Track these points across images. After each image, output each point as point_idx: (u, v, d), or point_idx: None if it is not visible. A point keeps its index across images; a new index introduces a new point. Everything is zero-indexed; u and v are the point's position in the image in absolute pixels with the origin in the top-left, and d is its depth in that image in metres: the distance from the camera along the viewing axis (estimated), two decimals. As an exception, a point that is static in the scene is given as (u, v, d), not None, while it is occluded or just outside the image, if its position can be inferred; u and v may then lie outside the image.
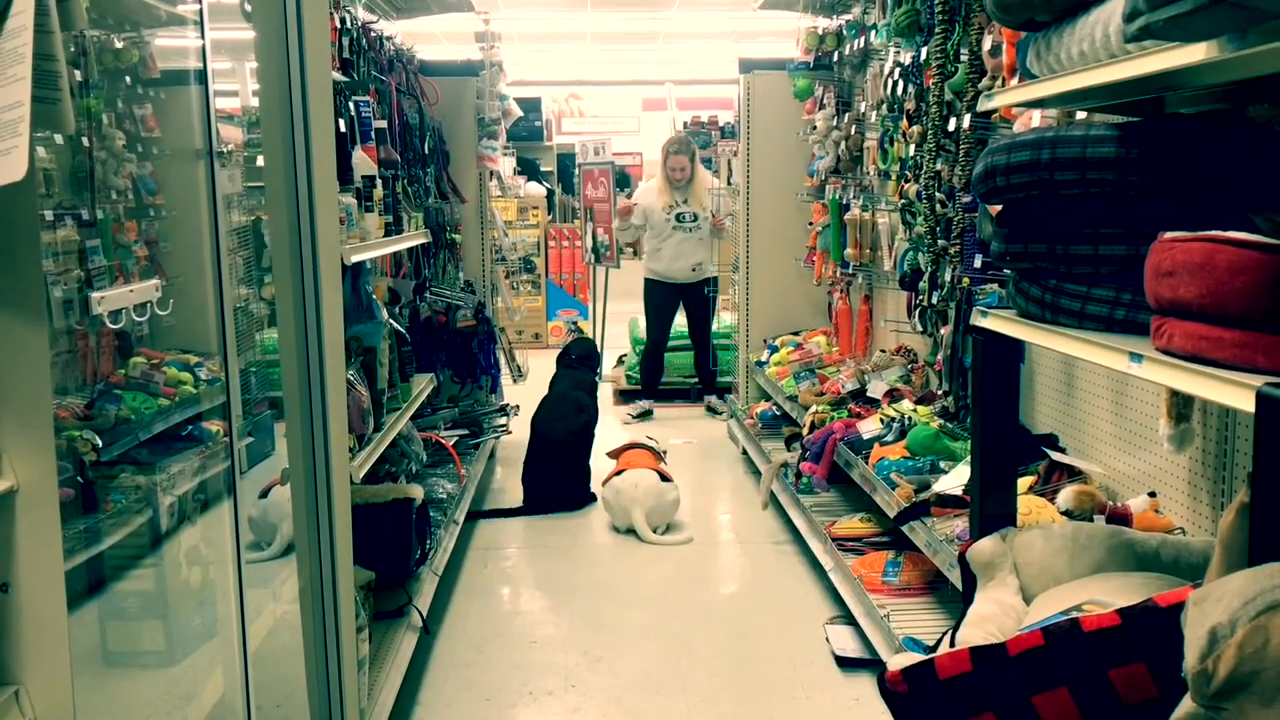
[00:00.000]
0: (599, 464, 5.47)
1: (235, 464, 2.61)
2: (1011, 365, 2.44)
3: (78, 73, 2.61)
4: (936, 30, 3.62)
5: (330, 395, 2.45)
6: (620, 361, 8.45)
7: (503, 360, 6.30)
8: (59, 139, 2.52)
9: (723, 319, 7.93)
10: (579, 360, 5.93)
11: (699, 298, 7.17)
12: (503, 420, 5.97)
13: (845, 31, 5.35)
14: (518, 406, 6.07)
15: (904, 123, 4.13)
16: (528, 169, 11.97)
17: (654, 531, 4.88)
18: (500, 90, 6.35)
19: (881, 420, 4.04)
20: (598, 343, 8.65)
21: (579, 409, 5.57)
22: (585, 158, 9.80)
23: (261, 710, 2.73)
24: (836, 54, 5.54)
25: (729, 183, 7.34)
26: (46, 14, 1.26)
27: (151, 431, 2.92)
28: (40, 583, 1.39)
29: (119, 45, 2.94)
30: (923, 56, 3.88)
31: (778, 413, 5.66)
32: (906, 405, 4.08)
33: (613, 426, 6.87)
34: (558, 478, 5.36)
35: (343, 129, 3.56)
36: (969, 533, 2.57)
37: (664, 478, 5.01)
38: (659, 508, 4.92)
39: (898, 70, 4.24)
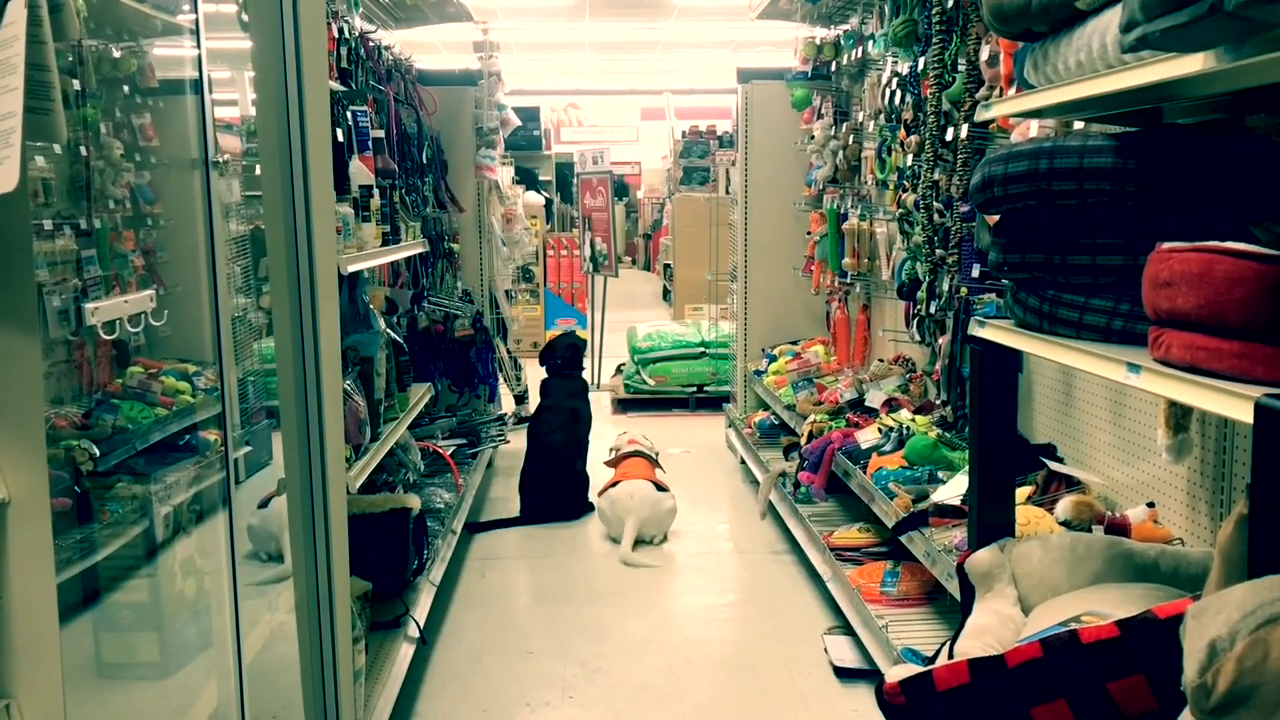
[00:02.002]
0: (596, 473, 5.46)
1: (230, 474, 2.61)
2: (1009, 375, 2.44)
3: (75, 81, 2.60)
4: (934, 40, 3.63)
5: (327, 405, 2.45)
6: (619, 370, 8.46)
7: (502, 369, 6.29)
8: (57, 148, 2.51)
9: (721, 327, 7.94)
10: (565, 364, 5.89)
11: None
12: (500, 429, 5.97)
13: (843, 41, 5.37)
14: (515, 414, 6.07)
15: (902, 132, 4.14)
16: (526, 178, 11.97)
17: (650, 541, 4.90)
18: (499, 99, 6.36)
19: (880, 430, 4.04)
20: (595, 351, 8.68)
21: (575, 418, 5.56)
22: (584, 167, 9.83)
23: (257, 721, 2.72)
24: (834, 64, 5.56)
25: (727, 191, 7.32)
26: (39, 25, 1.26)
27: (148, 441, 2.91)
28: (32, 596, 1.38)
29: (117, 54, 2.93)
30: (920, 66, 3.89)
31: (776, 422, 5.66)
32: (905, 415, 4.07)
33: (609, 435, 6.85)
34: (556, 487, 5.35)
35: (340, 138, 3.56)
36: (967, 543, 2.57)
37: (660, 487, 5.01)
38: (654, 517, 4.92)
39: (895, 80, 4.25)
